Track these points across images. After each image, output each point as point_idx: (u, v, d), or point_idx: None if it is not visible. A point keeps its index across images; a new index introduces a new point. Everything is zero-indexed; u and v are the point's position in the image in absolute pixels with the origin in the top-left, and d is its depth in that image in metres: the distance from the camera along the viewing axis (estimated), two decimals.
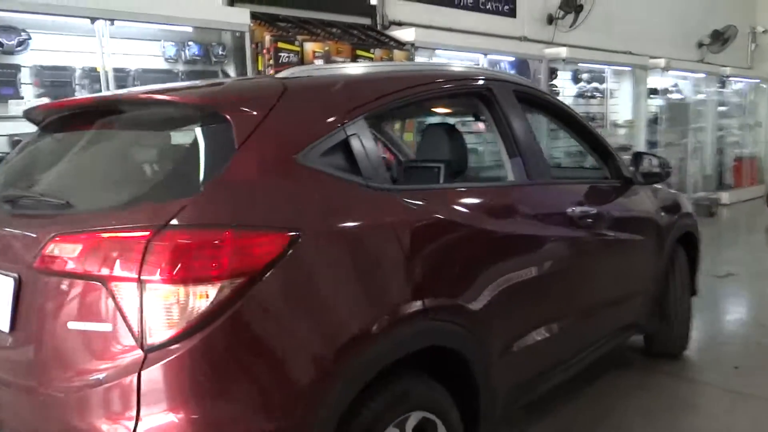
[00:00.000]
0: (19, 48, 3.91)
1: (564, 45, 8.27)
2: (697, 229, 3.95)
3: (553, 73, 8.15)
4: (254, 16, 4.99)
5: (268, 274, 1.51)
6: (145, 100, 1.83)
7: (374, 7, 6.04)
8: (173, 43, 4.65)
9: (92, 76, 4.16)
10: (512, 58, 7.35)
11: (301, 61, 4.91)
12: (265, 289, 1.51)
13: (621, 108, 9.69)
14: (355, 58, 5.29)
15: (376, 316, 1.71)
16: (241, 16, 4.63)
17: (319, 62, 5.00)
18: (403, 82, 2.20)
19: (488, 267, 2.16)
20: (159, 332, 1.43)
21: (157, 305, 1.42)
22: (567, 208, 2.64)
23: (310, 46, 4.98)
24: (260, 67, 4.81)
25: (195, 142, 1.70)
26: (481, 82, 2.57)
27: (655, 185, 3.90)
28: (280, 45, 4.80)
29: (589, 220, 2.77)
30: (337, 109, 1.89)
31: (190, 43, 4.66)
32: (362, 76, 2.16)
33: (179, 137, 1.74)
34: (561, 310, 2.58)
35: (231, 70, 4.92)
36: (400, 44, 5.81)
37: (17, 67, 3.94)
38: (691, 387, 3.46)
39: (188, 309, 1.42)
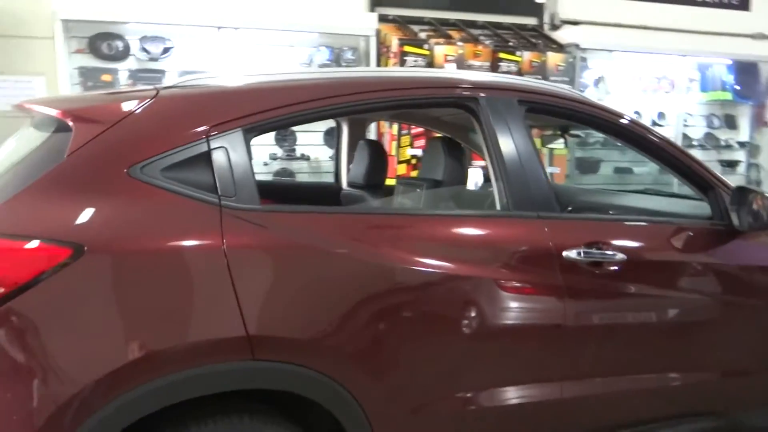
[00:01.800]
0: (163, 55, 4.46)
1: None
2: None
3: None
4: (396, 20, 4.95)
5: (34, 287, 1.48)
6: (25, 110, 1.93)
7: (540, 5, 5.52)
8: (314, 48, 4.86)
9: None
10: (729, 61, 6.10)
11: (431, 65, 4.73)
12: (26, 304, 1.48)
13: None
14: (496, 62, 4.91)
15: (161, 351, 1.55)
16: (366, 22, 4.62)
17: (450, 66, 4.76)
18: (325, 90, 1.96)
19: (383, 308, 1.79)
20: None
21: None
22: (565, 249, 2.09)
23: (441, 50, 4.75)
24: None
25: (36, 151, 1.74)
26: (459, 91, 2.18)
27: None
28: (407, 48, 4.67)
29: (610, 267, 2.16)
30: (203, 121, 1.76)
31: (322, 47, 4.81)
32: (264, 85, 1.97)
33: (40, 145, 1.80)
34: (524, 376, 2.05)
35: None
36: (559, 46, 5.23)
37: (162, 72, 4.50)
38: None
39: None
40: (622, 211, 2.92)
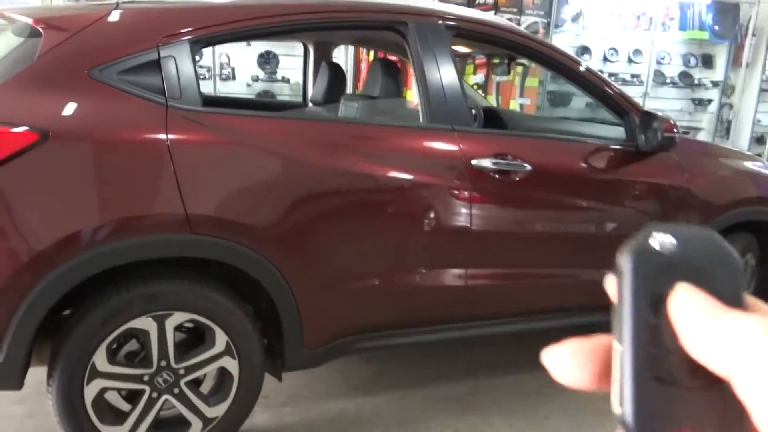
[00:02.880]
0: None
1: None
2: None
3: None
4: None
5: (8, 164, 1.82)
6: (5, 17, 2.24)
7: None
8: None
9: None
10: (708, 1, 6.20)
11: None
12: (1, 177, 1.83)
13: None
14: None
15: (112, 221, 1.91)
16: None
17: None
18: (264, 11, 2.25)
19: (303, 198, 2.15)
20: None
21: None
22: (474, 158, 2.41)
23: None
24: None
25: (13, 52, 2.06)
26: (390, 15, 2.46)
27: (748, 159, 3.29)
28: None
29: (516, 176, 2.48)
30: (155, 32, 2.07)
31: None
32: (210, 4, 2.25)
33: (15, 48, 2.11)
34: (428, 264, 2.41)
35: None
36: None
37: None
38: None
39: None
40: (557, 134, 3.20)
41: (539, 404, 2.79)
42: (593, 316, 2.87)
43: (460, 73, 2.56)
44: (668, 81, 6.24)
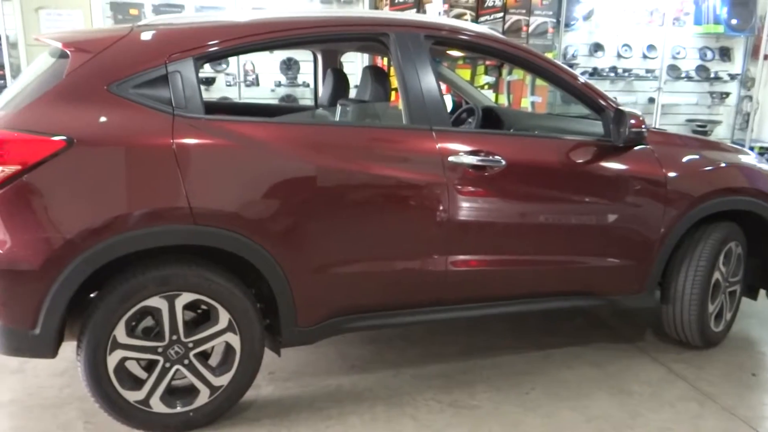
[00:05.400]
0: None
1: None
2: None
3: None
4: None
5: (41, 166, 2.19)
6: (41, 41, 2.60)
7: None
8: None
9: None
10: None
11: (419, 6, 5.17)
12: (36, 177, 2.18)
13: None
14: None
15: (126, 214, 2.24)
16: None
17: (437, 3, 5.18)
18: (260, 28, 2.56)
19: (295, 193, 2.44)
20: None
21: None
22: (451, 155, 2.66)
23: None
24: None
25: (47, 71, 2.43)
26: (373, 28, 2.73)
27: (736, 153, 3.44)
28: None
29: (491, 170, 2.71)
30: (164, 51, 2.40)
31: None
32: (211, 24, 2.57)
33: (48, 67, 2.47)
34: (411, 251, 2.65)
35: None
36: None
37: (182, 6, 5.11)
38: (654, 374, 3.10)
39: None
40: (551, 131, 3.39)
41: (525, 381, 3.02)
42: (569, 301, 3.09)
43: (456, 76, 2.80)
44: (684, 75, 6.31)
